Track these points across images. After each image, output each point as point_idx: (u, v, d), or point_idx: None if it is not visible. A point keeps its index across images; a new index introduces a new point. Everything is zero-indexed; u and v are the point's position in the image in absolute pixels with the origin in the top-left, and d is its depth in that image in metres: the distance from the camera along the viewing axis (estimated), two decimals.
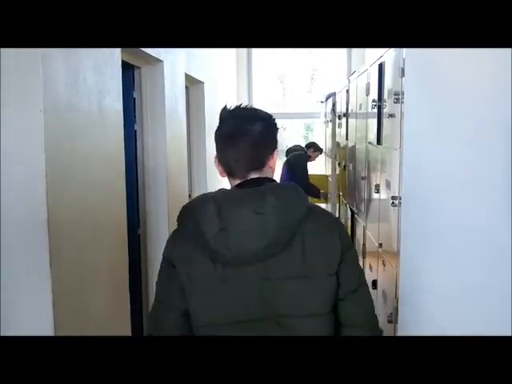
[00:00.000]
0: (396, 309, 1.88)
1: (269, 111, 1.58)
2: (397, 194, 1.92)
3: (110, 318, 2.61)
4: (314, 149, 6.36)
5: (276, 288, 1.38)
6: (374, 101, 2.46)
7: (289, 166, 5.97)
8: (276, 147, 1.55)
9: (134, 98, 3.55)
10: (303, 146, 6.55)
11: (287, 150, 6.60)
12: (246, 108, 1.52)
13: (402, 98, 1.87)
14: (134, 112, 3.55)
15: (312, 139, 7.92)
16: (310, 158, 6.19)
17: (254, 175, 1.48)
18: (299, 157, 5.97)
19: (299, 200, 1.43)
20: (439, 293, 1.88)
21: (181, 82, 4.15)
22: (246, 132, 1.45)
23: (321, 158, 6.66)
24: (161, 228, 3.76)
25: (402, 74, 1.85)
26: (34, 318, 1.95)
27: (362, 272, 1.52)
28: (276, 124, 1.56)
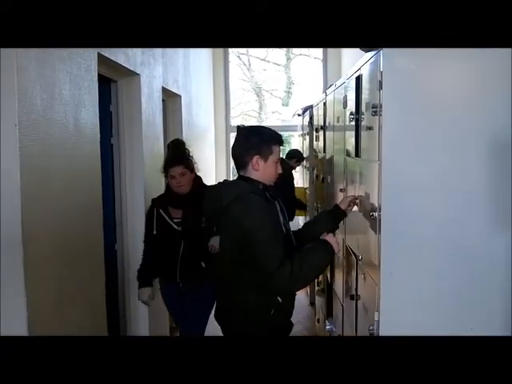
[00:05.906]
0: (377, 322, 1.87)
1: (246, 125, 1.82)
2: (376, 206, 1.92)
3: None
4: (296, 159, 6.11)
5: None
6: (351, 113, 2.46)
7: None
8: (256, 154, 2.19)
9: (111, 112, 3.52)
10: (283, 156, 6.41)
11: None
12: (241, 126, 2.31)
13: (380, 111, 1.87)
14: (111, 125, 3.51)
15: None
16: (293, 169, 6.01)
17: (241, 173, 2.26)
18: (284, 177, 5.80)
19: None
20: (421, 305, 1.88)
21: (157, 96, 4.13)
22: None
23: (300, 170, 6.59)
24: (137, 244, 3.69)
25: (380, 87, 1.86)
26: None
27: None
28: (253, 136, 2.23)
